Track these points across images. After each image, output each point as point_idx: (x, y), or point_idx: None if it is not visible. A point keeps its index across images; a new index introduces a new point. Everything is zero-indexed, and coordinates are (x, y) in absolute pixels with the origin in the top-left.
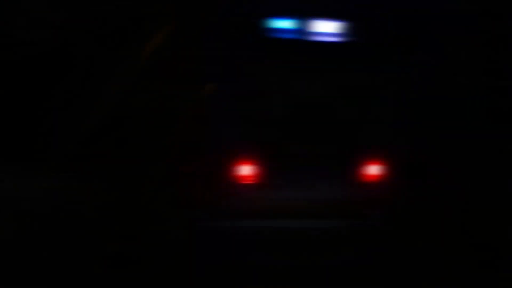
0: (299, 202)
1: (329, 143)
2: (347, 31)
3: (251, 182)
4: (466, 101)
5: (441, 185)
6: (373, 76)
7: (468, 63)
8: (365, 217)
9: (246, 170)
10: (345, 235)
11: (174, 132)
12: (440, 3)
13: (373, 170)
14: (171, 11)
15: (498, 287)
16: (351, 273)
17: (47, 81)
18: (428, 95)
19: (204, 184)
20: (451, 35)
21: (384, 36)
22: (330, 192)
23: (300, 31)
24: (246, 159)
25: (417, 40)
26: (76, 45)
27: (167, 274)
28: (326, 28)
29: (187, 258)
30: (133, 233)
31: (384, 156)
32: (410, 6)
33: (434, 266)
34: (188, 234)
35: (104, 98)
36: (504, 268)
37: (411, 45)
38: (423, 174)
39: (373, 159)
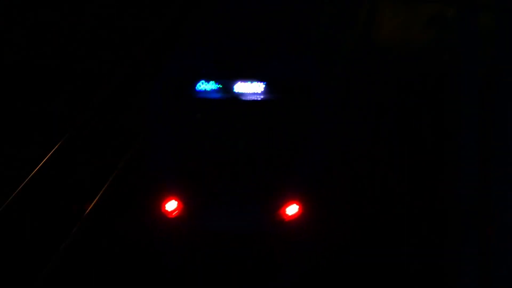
0: (220, 235)
1: (250, 182)
2: (262, 90)
3: (175, 215)
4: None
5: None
6: (285, 127)
7: None
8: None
9: (171, 204)
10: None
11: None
12: None
13: (290, 209)
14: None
15: None
16: None
17: None
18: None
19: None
20: None
21: (291, 92)
22: (251, 229)
23: (224, 90)
24: (173, 194)
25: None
26: None
27: None
28: (245, 88)
29: None
30: None
31: (300, 197)
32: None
33: None
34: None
35: None
36: None
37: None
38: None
39: (290, 199)
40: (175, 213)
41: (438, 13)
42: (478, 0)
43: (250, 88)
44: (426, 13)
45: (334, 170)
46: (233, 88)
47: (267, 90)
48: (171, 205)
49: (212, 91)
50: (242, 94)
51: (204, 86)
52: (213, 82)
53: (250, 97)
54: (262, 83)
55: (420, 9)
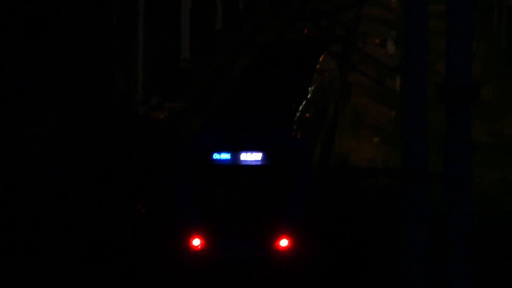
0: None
1: (252, 221)
2: (260, 158)
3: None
4: None
5: None
6: (278, 183)
7: None
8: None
9: (195, 240)
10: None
11: None
12: None
13: (283, 242)
14: None
15: None
16: None
17: None
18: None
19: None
20: None
21: (281, 159)
22: (252, 256)
23: (232, 158)
24: (198, 233)
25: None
26: None
27: None
28: (248, 156)
29: None
30: None
31: (292, 232)
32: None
33: None
34: None
35: None
36: None
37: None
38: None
39: (284, 233)
40: (198, 244)
41: None
42: None
43: (251, 157)
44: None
45: (313, 215)
46: (239, 157)
47: (263, 158)
48: (196, 241)
49: (224, 159)
50: (246, 161)
51: (218, 156)
52: (224, 152)
53: (252, 163)
54: (260, 153)
55: None
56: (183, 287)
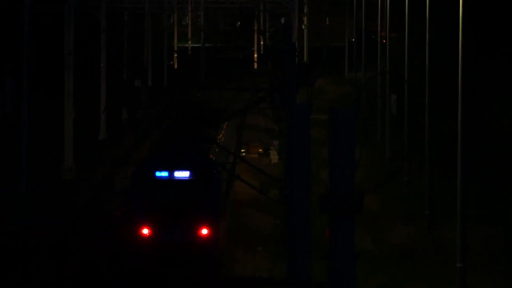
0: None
1: (182, 215)
2: (188, 174)
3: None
4: None
5: None
6: (201, 184)
7: None
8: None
9: (144, 230)
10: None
11: None
12: None
13: (204, 231)
14: None
15: None
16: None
17: None
18: None
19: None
20: None
21: (202, 175)
22: (182, 240)
23: (168, 175)
24: (146, 225)
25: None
26: None
27: None
28: (180, 174)
29: None
30: None
31: (209, 224)
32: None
33: None
34: None
35: None
36: None
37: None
38: None
39: (204, 225)
40: (146, 232)
41: None
42: None
43: (182, 174)
44: None
45: (222, 213)
46: (174, 174)
47: (190, 174)
48: (145, 230)
49: (163, 176)
50: (178, 176)
51: (159, 172)
52: (162, 171)
53: (182, 178)
54: (188, 171)
55: None
56: (136, 262)
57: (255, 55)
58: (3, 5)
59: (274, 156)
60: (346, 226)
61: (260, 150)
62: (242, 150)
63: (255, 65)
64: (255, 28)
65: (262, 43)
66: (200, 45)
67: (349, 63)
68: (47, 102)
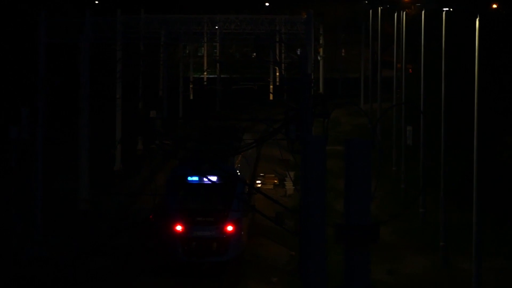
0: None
1: (211, 213)
2: (216, 179)
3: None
4: None
5: None
6: (226, 188)
7: None
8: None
9: (178, 226)
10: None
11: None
12: None
13: (229, 227)
14: None
15: None
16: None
17: None
18: None
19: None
20: None
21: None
22: (211, 236)
23: (199, 179)
24: (180, 222)
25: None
26: None
27: None
28: (209, 178)
29: None
30: None
31: (234, 222)
32: None
33: None
34: None
35: None
36: None
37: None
38: None
39: (229, 223)
40: (180, 229)
41: None
42: None
43: (212, 178)
44: None
45: (246, 212)
46: (203, 179)
47: (217, 179)
48: (179, 227)
49: (194, 180)
50: (207, 181)
51: (191, 177)
52: (193, 176)
53: (210, 182)
54: (215, 176)
55: None
56: (171, 255)
57: (271, 86)
58: (19, 35)
59: (289, 187)
60: (362, 257)
61: (276, 181)
62: (257, 181)
63: (271, 96)
64: (271, 59)
65: (277, 74)
66: (215, 76)
67: (365, 94)
68: (63, 132)
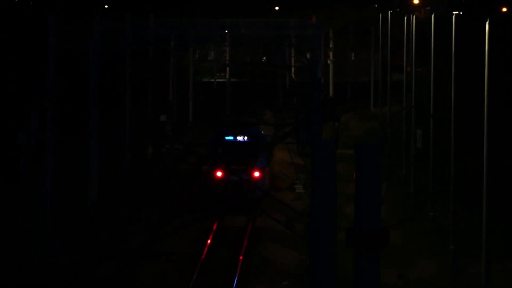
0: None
1: (242, 163)
2: (246, 138)
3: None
4: None
5: None
6: (254, 145)
7: None
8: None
9: (218, 173)
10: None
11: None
12: None
13: (256, 173)
14: None
15: None
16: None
17: None
18: None
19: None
20: None
21: (255, 138)
22: (243, 180)
23: (233, 138)
24: (219, 170)
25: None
26: None
27: None
28: (241, 137)
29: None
30: None
31: (260, 170)
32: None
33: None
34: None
35: None
36: None
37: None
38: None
39: (256, 170)
40: (220, 175)
41: None
42: None
43: (243, 138)
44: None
45: (270, 163)
46: (236, 137)
47: (248, 138)
48: (219, 173)
49: (230, 139)
50: (240, 139)
51: (227, 137)
52: (230, 136)
53: (242, 140)
54: (246, 136)
55: None
56: (214, 194)
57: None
58: (28, 40)
59: (299, 190)
60: (371, 261)
61: (286, 184)
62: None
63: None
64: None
65: (287, 78)
66: (225, 80)
67: (375, 98)
68: (72, 137)
